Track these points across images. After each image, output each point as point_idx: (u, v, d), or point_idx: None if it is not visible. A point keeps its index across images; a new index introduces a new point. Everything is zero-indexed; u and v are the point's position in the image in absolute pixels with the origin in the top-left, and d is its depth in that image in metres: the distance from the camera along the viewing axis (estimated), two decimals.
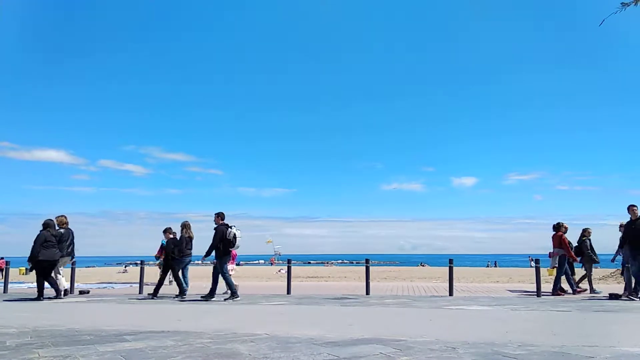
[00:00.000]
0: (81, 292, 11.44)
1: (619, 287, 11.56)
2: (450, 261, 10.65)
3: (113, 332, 4.87)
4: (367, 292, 10.50)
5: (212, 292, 9.35)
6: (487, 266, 52.23)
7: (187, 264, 10.37)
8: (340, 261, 77.19)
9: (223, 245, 9.29)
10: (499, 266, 51.94)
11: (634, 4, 4.34)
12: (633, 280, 9.53)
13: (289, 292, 10.81)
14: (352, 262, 65.59)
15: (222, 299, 9.19)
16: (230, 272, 10.34)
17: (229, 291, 9.38)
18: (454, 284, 10.63)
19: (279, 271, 29.75)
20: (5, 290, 12.08)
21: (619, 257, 10.81)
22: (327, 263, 65.17)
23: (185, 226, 10.29)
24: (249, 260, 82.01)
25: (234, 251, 10.04)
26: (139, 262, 13.20)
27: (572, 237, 11.19)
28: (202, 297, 9.45)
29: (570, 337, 4.49)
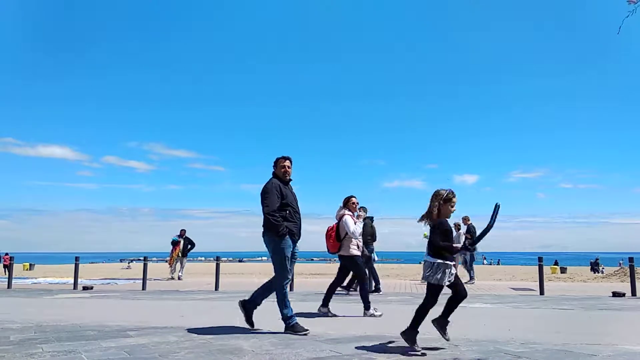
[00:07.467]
0: (85, 288, 11.50)
1: (621, 286, 11.53)
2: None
3: (116, 328, 4.90)
4: (371, 290, 10.49)
5: None
6: (490, 264, 52.19)
7: None
8: None
9: None
10: (502, 264, 51.88)
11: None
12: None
13: (291, 289, 10.82)
14: None
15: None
16: None
17: None
18: None
19: None
20: (9, 285, 12.16)
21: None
22: (331, 260, 65.20)
23: None
24: (253, 257, 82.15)
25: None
26: (142, 258, 13.26)
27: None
28: None
29: (573, 335, 4.48)
